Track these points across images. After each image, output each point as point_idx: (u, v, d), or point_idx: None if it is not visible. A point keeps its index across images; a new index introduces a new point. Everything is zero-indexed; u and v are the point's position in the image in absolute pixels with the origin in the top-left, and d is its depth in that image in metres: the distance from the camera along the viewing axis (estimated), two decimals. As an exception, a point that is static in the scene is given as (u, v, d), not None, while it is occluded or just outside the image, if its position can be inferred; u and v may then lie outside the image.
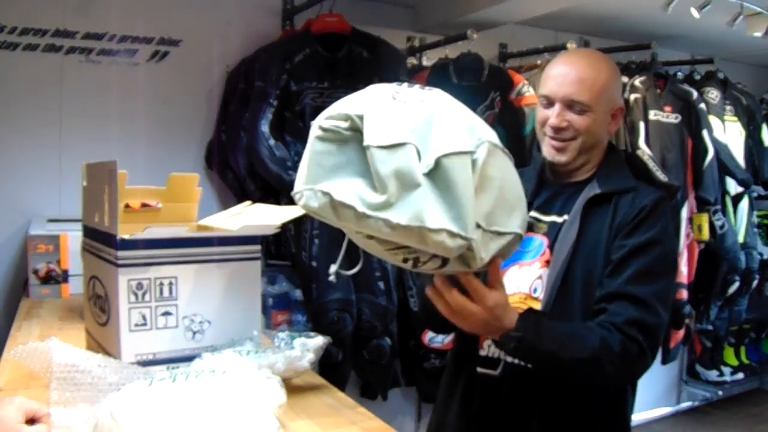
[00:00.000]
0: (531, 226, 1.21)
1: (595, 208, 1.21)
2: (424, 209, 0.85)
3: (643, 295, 1.11)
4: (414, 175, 0.85)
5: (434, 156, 0.86)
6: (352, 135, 0.89)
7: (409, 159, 0.85)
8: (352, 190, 0.86)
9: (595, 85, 1.21)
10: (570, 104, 1.21)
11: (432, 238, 0.86)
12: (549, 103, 1.24)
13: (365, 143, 0.86)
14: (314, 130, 0.90)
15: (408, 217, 0.84)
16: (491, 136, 0.95)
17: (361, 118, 0.88)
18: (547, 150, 1.27)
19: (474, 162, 0.90)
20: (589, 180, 1.26)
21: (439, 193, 0.86)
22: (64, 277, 1.79)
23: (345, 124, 0.89)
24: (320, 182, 0.87)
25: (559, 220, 1.24)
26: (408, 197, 0.85)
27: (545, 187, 1.31)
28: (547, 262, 1.20)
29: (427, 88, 0.97)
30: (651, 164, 2.62)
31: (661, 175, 2.58)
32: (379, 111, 0.88)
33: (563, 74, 1.23)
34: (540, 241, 1.21)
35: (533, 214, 1.25)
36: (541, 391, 1.18)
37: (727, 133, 2.98)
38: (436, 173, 0.86)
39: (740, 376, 3.66)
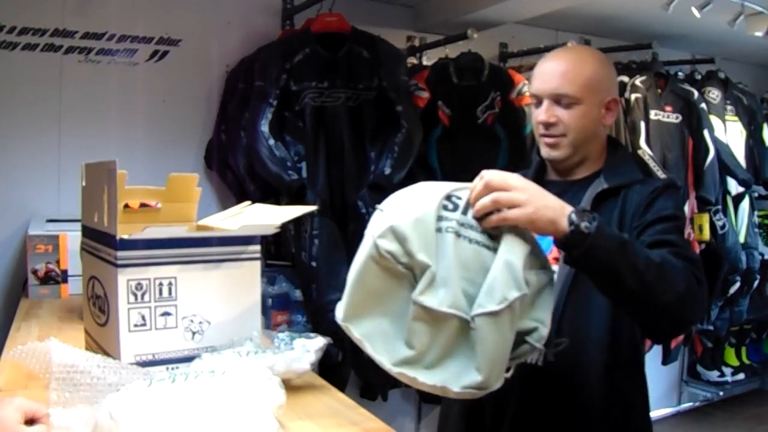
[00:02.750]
0: None
1: (603, 203, 1.21)
2: (449, 378, 0.89)
3: (672, 240, 1.08)
4: (449, 343, 0.89)
5: (473, 314, 0.89)
6: (406, 273, 0.90)
7: (450, 330, 0.89)
8: (382, 341, 0.90)
9: (579, 77, 1.20)
10: (557, 99, 1.21)
11: (454, 393, 0.89)
12: (538, 101, 1.25)
13: (414, 297, 0.88)
14: (370, 243, 0.91)
15: (433, 382, 0.89)
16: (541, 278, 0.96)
17: (423, 268, 0.89)
18: (543, 148, 1.27)
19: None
20: (596, 176, 1.25)
21: (468, 353, 0.90)
22: (64, 277, 1.79)
23: (404, 259, 0.90)
24: (358, 315, 0.91)
25: None
26: (440, 363, 0.90)
27: (550, 186, 1.30)
28: (556, 259, 1.19)
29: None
30: (652, 164, 2.62)
31: (662, 175, 2.58)
32: (440, 260, 0.90)
33: (548, 70, 1.23)
34: (548, 239, 1.21)
35: None
36: (552, 395, 1.16)
37: (728, 132, 2.98)
38: (474, 333, 0.90)
39: (741, 376, 3.65)
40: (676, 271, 0.99)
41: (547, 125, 1.23)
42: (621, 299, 1.04)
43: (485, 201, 0.93)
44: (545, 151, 1.26)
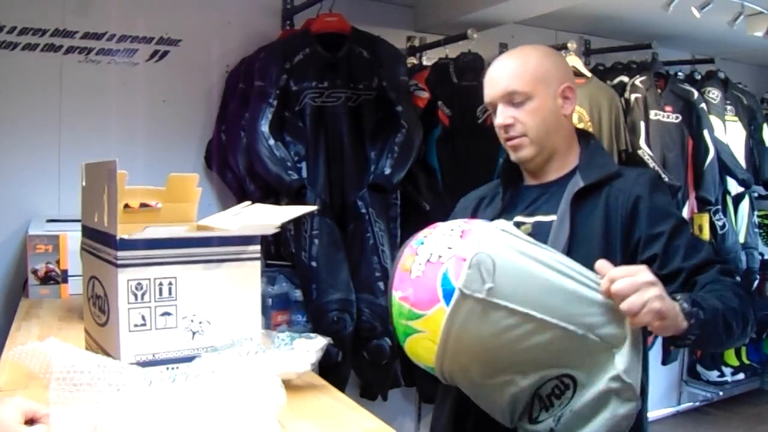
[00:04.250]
0: None
1: (583, 201, 1.18)
2: None
3: (706, 258, 1.11)
4: None
5: None
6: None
7: None
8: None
9: (525, 72, 1.20)
10: (508, 98, 1.21)
11: None
12: (493, 108, 1.25)
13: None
14: None
15: None
16: None
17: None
18: (509, 153, 1.26)
19: None
20: (571, 174, 1.23)
21: None
22: (64, 277, 1.79)
23: None
24: None
25: (546, 219, 1.20)
26: None
27: (527, 192, 1.29)
28: None
29: None
30: (652, 164, 2.62)
31: (661, 175, 2.58)
32: None
33: (494, 75, 1.24)
34: None
35: (517, 219, 1.23)
36: None
37: (728, 132, 2.98)
38: None
39: (741, 376, 3.65)
40: (744, 303, 1.05)
41: (506, 128, 1.22)
42: (714, 348, 1.14)
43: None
44: (512, 156, 1.26)
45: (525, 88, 1.19)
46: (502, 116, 1.21)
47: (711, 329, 1.00)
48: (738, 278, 1.14)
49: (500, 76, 1.22)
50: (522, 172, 1.32)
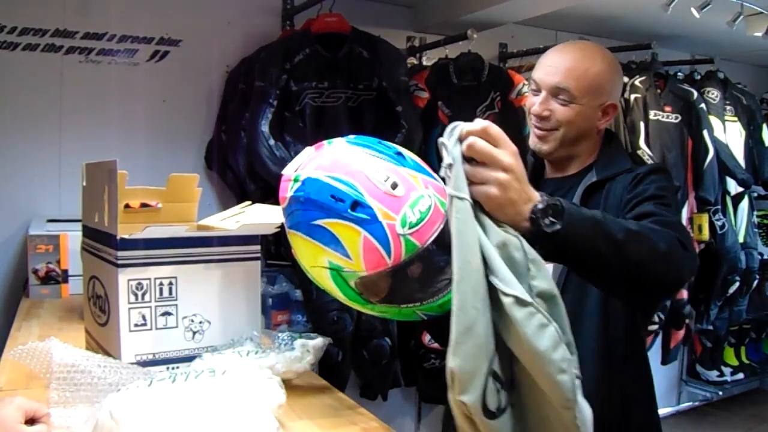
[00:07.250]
0: None
1: (594, 194, 1.21)
2: None
3: (650, 210, 1.04)
4: None
5: None
6: None
7: None
8: None
9: (584, 77, 1.19)
10: (555, 93, 1.20)
11: None
12: (537, 89, 1.24)
13: None
14: None
15: None
16: None
17: None
18: (532, 138, 1.27)
19: None
20: (588, 169, 1.26)
21: None
22: (64, 277, 1.79)
23: None
24: None
25: None
26: None
27: (546, 185, 1.31)
28: None
29: None
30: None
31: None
32: None
33: (554, 63, 1.22)
34: None
35: None
36: None
37: (728, 133, 2.98)
38: None
39: (740, 376, 3.65)
40: (656, 233, 0.93)
41: (540, 117, 1.23)
42: (605, 277, 0.95)
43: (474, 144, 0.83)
44: (533, 141, 1.27)
45: (576, 92, 1.19)
46: (542, 106, 1.21)
47: (581, 242, 0.85)
48: (683, 243, 0.96)
49: (560, 68, 1.20)
50: (544, 164, 1.34)
